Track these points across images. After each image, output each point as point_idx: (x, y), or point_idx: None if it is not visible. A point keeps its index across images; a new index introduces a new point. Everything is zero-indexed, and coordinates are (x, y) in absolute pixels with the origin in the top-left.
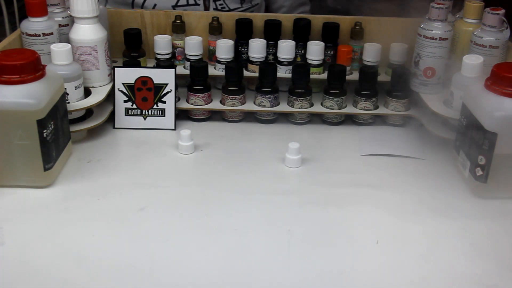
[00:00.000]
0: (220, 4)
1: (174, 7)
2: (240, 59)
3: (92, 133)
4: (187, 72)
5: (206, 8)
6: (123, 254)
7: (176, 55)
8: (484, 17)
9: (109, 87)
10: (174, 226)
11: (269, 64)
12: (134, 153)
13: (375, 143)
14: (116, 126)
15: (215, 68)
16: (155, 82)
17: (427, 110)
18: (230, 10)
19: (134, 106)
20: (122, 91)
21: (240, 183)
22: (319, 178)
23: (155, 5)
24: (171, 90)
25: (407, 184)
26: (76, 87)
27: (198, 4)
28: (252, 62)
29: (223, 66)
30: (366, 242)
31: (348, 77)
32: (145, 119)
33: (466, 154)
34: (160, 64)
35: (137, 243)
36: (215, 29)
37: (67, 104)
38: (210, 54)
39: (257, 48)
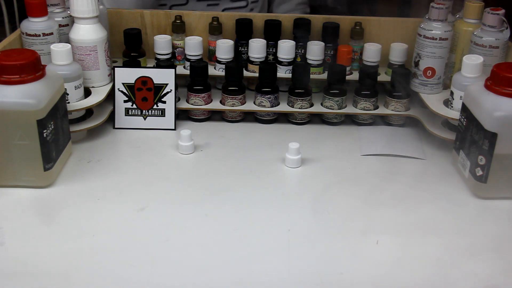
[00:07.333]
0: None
1: (171, 7)
2: (240, 59)
3: (92, 133)
4: (187, 72)
5: None
6: (123, 254)
7: (176, 55)
8: (484, 17)
9: (109, 87)
10: (174, 226)
11: (269, 64)
12: (134, 153)
13: (375, 143)
14: (116, 126)
15: (215, 68)
16: (155, 82)
17: (427, 110)
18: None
19: (134, 106)
20: (122, 91)
21: (240, 183)
22: (319, 178)
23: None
24: (171, 90)
25: (407, 184)
26: (76, 87)
27: None
28: (252, 62)
29: (223, 66)
30: (366, 242)
31: (348, 77)
32: (145, 119)
33: (466, 154)
34: (160, 64)
35: (137, 243)
36: (215, 29)
37: (67, 104)
38: (210, 54)
39: (257, 48)
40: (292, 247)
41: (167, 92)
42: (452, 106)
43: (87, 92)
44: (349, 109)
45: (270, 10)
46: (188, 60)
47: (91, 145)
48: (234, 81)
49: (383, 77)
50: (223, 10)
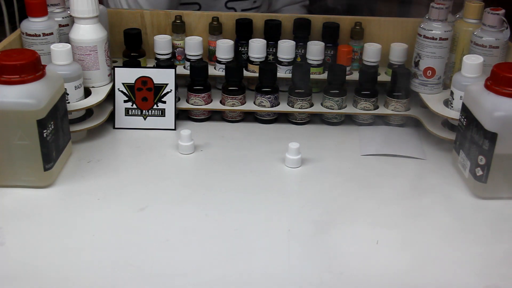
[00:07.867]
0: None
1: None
2: (240, 59)
3: (92, 133)
4: (187, 72)
5: None
6: (123, 254)
7: (176, 55)
8: (484, 17)
9: (109, 87)
10: (174, 226)
11: (269, 64)
12: (134, 153)
13: (375, 143)
14: (116, 126)
15: (215, 68)
16: (155, 82)
17: (427, 110)
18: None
19: (134, 106)
20: (122, 91)
21: (240, 183)
22: (319, 178)
23: None
24: (171, 90)
25: (407, 184)
26: (76, 87)
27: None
28: (252, 62)
29: (223, 66)
30: (366, 242)
31: (348, 77)
32: (145, 119)
33: (466, 154)
34: (160, 64)
35: (137, 243)
36: (215, 29)
37: (67, 104)
38: (210, 54)
39: (257, 48)
40: (292, 247)
41: (167, 92)
42: (452, 106)
43: (87, 92)
44: (349, 109)
45: (271, 1)
46: (188, 60)
47: (91, 145)
48: (234, 81)
49: (383, 77)
50: (227, 1)
